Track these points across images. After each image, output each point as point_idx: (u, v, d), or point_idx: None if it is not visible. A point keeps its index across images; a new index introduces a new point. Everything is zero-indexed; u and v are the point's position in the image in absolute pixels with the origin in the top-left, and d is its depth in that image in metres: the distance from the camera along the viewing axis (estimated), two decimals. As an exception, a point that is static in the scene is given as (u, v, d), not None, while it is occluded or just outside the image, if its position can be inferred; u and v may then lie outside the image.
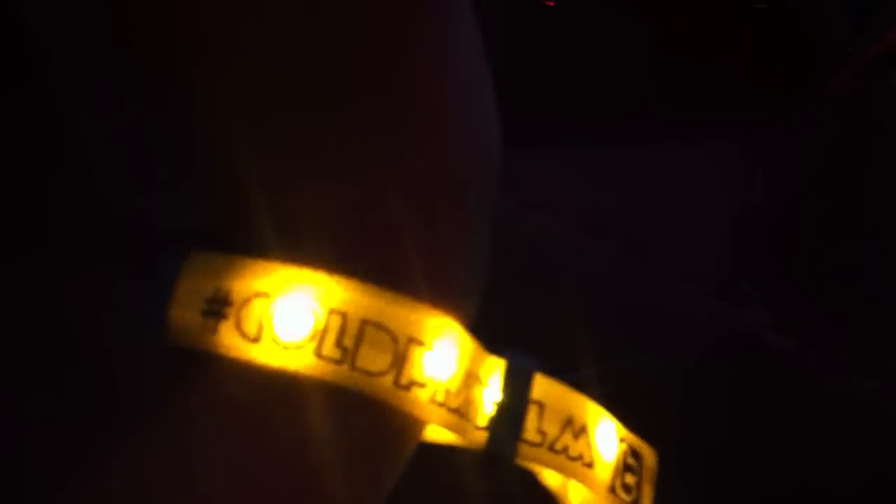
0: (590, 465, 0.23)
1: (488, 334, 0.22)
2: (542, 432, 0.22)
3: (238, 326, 0.19)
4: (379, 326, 0.19)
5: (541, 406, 0.22)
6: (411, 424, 0.21)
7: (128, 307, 0.22)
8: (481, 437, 0.22)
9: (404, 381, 0.20)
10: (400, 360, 0.20)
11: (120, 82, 0.20)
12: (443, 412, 0.20)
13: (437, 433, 0.22)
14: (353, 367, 0.19)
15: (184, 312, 0.20)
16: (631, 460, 0.24)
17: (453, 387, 0.21)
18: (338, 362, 0.19)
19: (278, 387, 0.19)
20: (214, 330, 0.19)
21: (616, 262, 0.46)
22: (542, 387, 0.22)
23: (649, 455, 0.24)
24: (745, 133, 0.53)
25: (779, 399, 0.46)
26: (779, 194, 0.53)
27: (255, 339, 0.19)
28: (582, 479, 0.23)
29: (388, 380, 0.19)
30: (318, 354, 0.19)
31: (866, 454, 0.45)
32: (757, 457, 0.44)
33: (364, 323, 0.19)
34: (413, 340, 0.20)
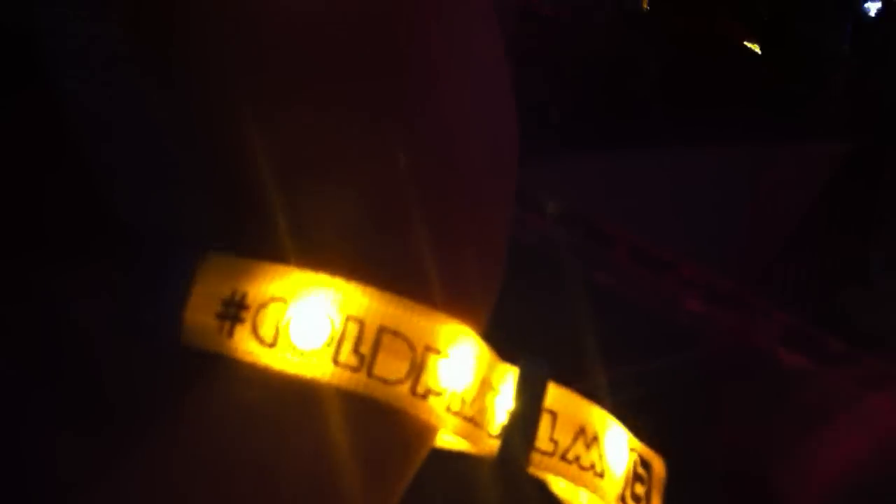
0: (601, 475, 0.22)
1: (494, 343, 0.22)
2: (554, 441, 0.22)
3: (254, 331, 0.19)
4: (396, 334, 0.19)
5: (553, 415, 0.22)
6: (425, 432, 0.21)
7: (136, 308, 0.22)
8: (494, 446, 0.22)
9: (421, 389, 0.19)
10: (417, 369, 0.19)
11: (137, 83, 0.20)
12: (458, 421, 0.20)
13: (449, 440, 0.22)
14: (370, 374, 0.19)
15: (199, 315, 0.19)
16: (641, 470, 0.24)
17: (469, 396, 0.20)
18: (355, 370, 0.19)
19: (294, 393, 0.19)
20: (230, 333, 0.19)
21: (621, 270, 0.46)
22: (556, 395, 0.22)
23: (659, 464, 0.24)
24: (750, 136, 0.53)
25: (786, 409, 0.46)
26: (789, 201, 0.53)
27: (272, 345, 0.19)
28: (593, 489, 0.22)
29: (405, 388, 0.19)
30: (335, 361, 0.19)
31: (874, 465, 0.45)
32: (764, 466, 0.44)
33: (381, 330, 0.19)
34: (430, 349, 0.20)
